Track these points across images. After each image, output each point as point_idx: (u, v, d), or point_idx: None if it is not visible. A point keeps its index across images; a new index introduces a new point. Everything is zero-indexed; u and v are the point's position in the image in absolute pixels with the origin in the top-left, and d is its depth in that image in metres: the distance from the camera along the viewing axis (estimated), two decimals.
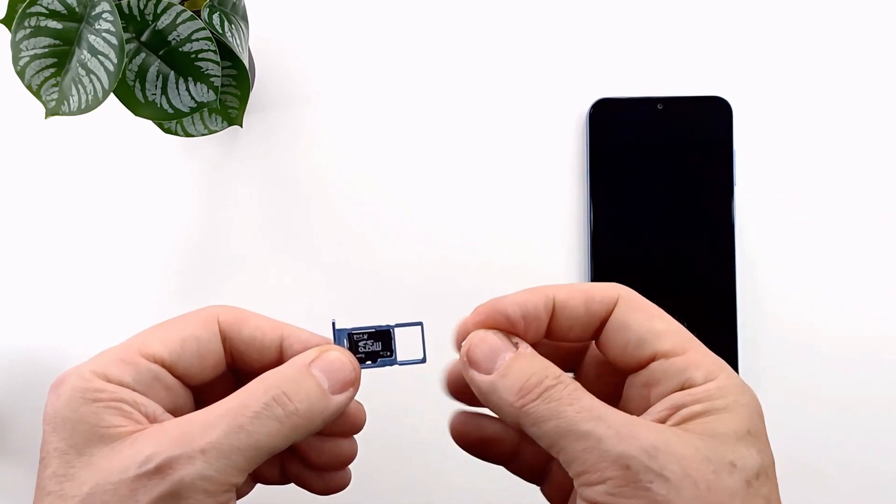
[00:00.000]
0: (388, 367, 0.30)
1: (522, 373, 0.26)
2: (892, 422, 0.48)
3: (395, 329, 0.30)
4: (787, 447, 0.49)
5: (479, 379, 0.27)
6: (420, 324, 0.31)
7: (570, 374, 0.27)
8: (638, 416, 0.26)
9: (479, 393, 0.28)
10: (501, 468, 0.32)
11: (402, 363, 0.30)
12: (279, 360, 0.30)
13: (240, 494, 0.29)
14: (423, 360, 0.30)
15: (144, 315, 0.51)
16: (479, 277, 0.50)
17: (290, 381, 0.27)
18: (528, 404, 0.26)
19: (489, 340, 0.28)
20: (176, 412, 0.28)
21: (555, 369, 0.27)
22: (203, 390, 0.30)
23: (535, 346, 0.28)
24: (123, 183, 0.52)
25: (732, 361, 0.48)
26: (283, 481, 0.32)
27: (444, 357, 0.31)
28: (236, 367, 0.31)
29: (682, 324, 0.28)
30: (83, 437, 0.25)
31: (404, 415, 0.48)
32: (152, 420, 0.27)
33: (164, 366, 0.28)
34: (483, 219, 0.51)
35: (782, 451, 0.48)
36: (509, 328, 0.28)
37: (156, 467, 0.24)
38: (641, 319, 0.27)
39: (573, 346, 0.31)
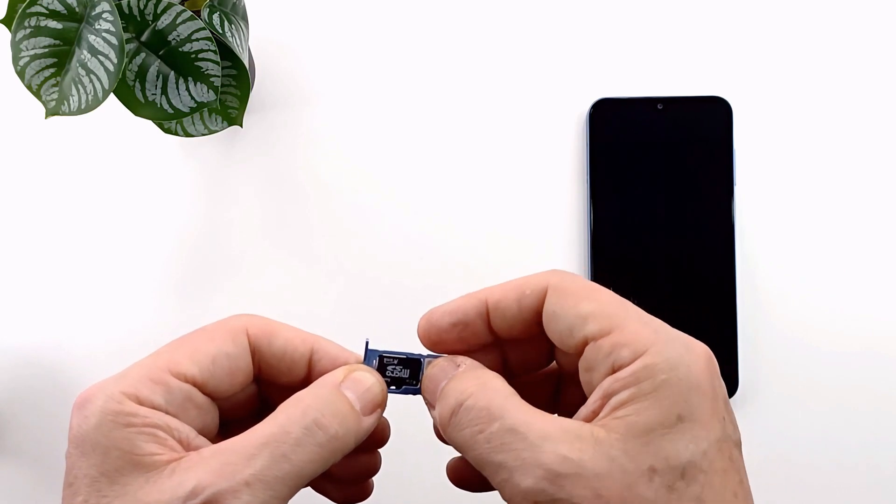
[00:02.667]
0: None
1: (446, 401, 0.26)
2: (893, 421, 0.48)
3: (426, 359, 0.29)
4: (786, 447, 0.49)
5: (431, 414, 0.27)
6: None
7: (498, 380, 0.26)
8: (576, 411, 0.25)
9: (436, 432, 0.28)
10: None
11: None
12: (308, 374, 0.29)
13: None
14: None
15: (144, 314, 0.51)
16: (480, 277, 0.50)
17: (327, 404, 0.26)
18: (447, 433, 0.26)
19: (434, 369, 0.28)
20: (205, 430, 0.27)
21: (473, 384, 0.26)
22: (227, 403, 0.29)
23: (510, 347, 0.28)
24: (123, 183, 0.52)
25: (732, 361, 0.48)
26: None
27: None
28: (262, 379, 0.30)
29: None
30: (116, 464, 0.24)
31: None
32: (186, 446, 0.26)
33: (195, 384, 0.27)
34: (483, 219, 0.51)
35: (781, 451, 0.49)
36: (444, 338, 0.28)
37: (202, 502, 0.23)
38: (568, 305, 0.26)
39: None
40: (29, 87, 0.38)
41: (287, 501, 0.25)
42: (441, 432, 0.26)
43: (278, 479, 0.24)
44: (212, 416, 0.28)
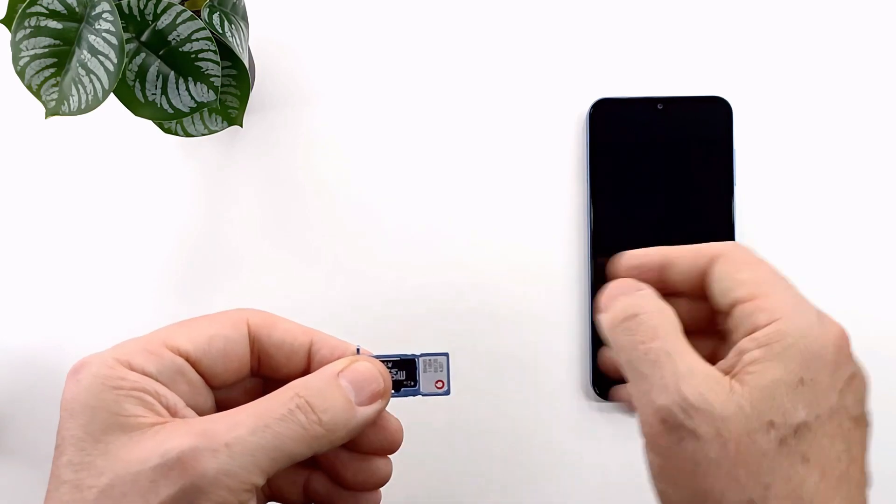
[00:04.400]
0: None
1: (621, 305, 0.29)
2: (892, 421, 0.48)
3: (421, 359, 0.29)
4: None
5: (597, 318, 0.30)
6: (446, 354, 0.30)
7: (672, 312, 0.29)
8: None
9: (600, 330, 0.30)
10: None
11: (426, 394, 0.30)
12: (307, 365, 0.29)
13: None
14: (447, 393, 0.30)
15: (144, 314, 0.51)
16: (480, 277, 0.50)
17: (317, 391, 0.26)
18: (613, 331, 0.28)
19: (614, 287, 0.30)
20: (196, 410, 0.28)
21: (653, 305, 0.28)
22: (227, 395, 0.30)
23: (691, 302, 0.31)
24: (123, 183, 0.52)
25: None
26: (305, 502, 0.31)
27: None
28: (262, 373, 0.30)
29: None
30: (101, 424, 0.25)
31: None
32: (174, 413, 0.26)
33: (188, 360, 0.28)
34: (483, 218, 0.51)
35: None
36: (623, 276, 0.31)
37: (177, 458, 0.23)
38: (731, 270, 0.29)
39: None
40: (29, 87, 0.38)
41: (265, 474, 0.25)
42: (606, 330, 0.29)
43: (259, 446, 0.24)
44: (204, 398, 0.28)
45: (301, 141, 0.52)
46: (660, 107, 0.49)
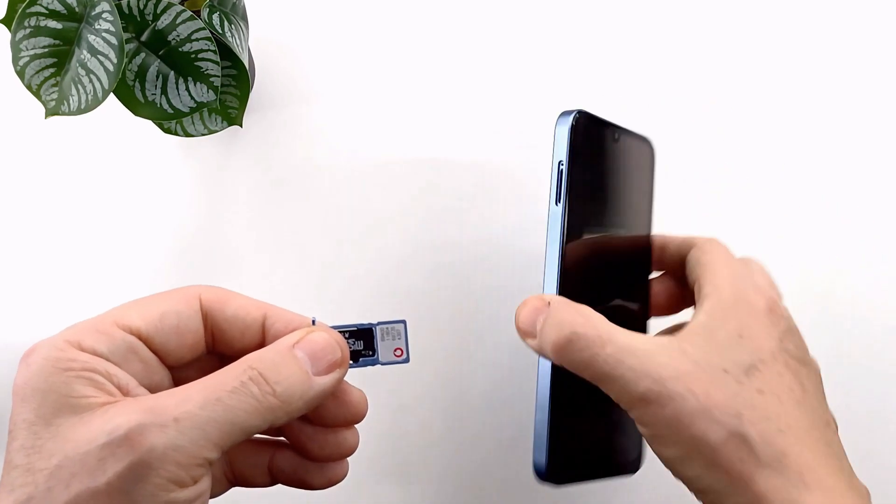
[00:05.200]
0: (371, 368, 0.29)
1: (553, 329, 0.30)
2: (891, 421, 0.48)
3: (378, 327, 0.29)
4: None
5: (530, 344, 0.32)
6: (403, 322, 0.30)
7: (591, 311, 0.31)
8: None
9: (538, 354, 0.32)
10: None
11: (385, 363, 0.29)
12: (262, 340, 0.29)
13: (213, 494, 0.28)
14: (407, 360, 0.30)
15: None
16: (480, 276, 0.50)
17: (270, 363, 0.26)
18: (563, 358, 0.30)
19: (526, 307, 0.32)
20: (151, 389, 0.27)
21: (576, 314, 0.30)
22: (184, 375, 0.29)
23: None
24: (123, 183, 0.52)
25: None
26: (270, 482, 0.31)
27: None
28: (217, 349, 0.30)
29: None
30: (52, 407, 0.24)
31: (397, 409, 0.48)
32: (125, 392, 0.26)
33: (140, 338, 0.27)
34: (483, 218, 0.51)
35: None
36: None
37: (125, 435, 0.23)
38: (697, 254, 0.35)
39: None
40: (29, 87, 0.38)
41: (218, 449, 0.25)
42: (554, 358, 0.31)
43: (210, 420, 0.24)
44: (160, 377, 0.28)
45: (301, 141, 0.52)
46: (617, 137, 0.40)
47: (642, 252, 0.39)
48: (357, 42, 0.53)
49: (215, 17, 0.41)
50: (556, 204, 0.35)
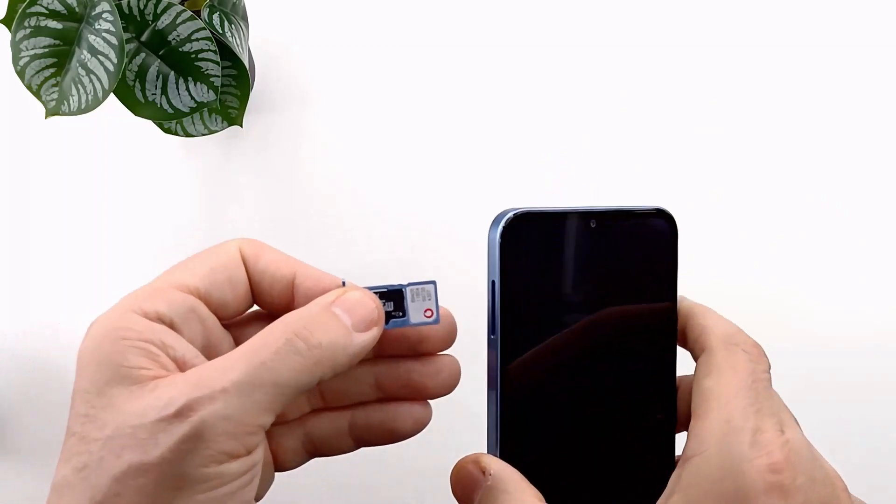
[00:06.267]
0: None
1: None
2: (891, 421, 0.48)
3: (408, 288, 0.29)
4: None
5: None
6: (433, 283, 0.29)
7: (532, 496, 0.26)
8: None
9: None
10: None
11: (415, 324, 0.29)
12: (290, 295, 0.29)
13: (292, 465, 0.29)
14: (437, 321, 0.29)
15: None
16: (479, 276, 0.50)
17: (312, 318, 0.26)
18: None
19: (462, 473, 0.27)
20: (212, 352, 0.27)
21: (519, 492, 0.26)
22: (241, 334, 0.29)
23: None
24: (123, 183, 0.52)
25: None
26: (353, 446, 0.30)
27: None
28: (259, 304, 0.30)
29: None
30: (105, 376, 0.25)
31: None
32: (182, 364, 0.26)
33: (198, 296, 0.27)
34: (482, 217, 0.51)
35: None
36: None
37: (176, 411, 0.23)
38: (702, 365, 0.27)
39: None
40: (29, 87, 0.38)
41: (269, 412, 0.24)
42: None
43: (256, 386, 0.24)
44: (218, 337, 0.28)
45: (301, 141, 0.52)
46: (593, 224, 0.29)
47: (652, 363, 0.28)
48: (357, 42, 0.52)
49: (215, 17, 0.41)
50: (492, 334, 0.28)
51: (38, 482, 0.50)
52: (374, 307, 0.28)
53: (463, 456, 0.27)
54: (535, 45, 0.52)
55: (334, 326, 0.26)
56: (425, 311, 0.29)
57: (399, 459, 0.48)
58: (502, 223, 0.28)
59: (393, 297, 0.29)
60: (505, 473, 0.26)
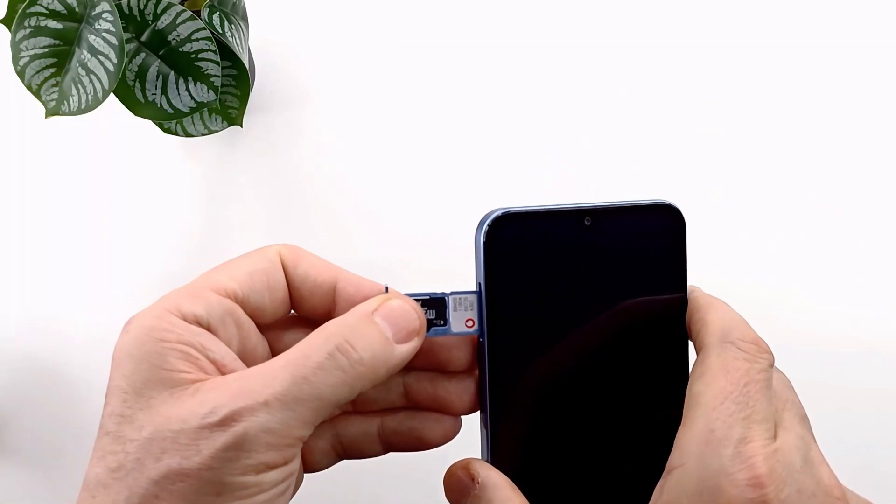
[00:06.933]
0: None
1: None
2: (890, 422, 0.48)
3: (451, 297, 0.28)
4: None
5: None
6: (477, 292, 0.28)
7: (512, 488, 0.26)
8: None
9: None
10: None
11: (457, 333, 0.28)
12: (332, 302, 0.29)
13: (321, 467, 0.29)
14: (477, 331, 0.28)
15: None
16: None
17: (353, 330, 0.26)
18: None
19: (451, 477, 0.27)
20: (248, 356, 0.27)
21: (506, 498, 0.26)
22: (277, 339, 0.29)
23: None
24: (123, 183, 0.52)
25: None
26: (382, 450, 0.30)
27: None
28: (297, 310, 0.30)
29: None
30: (144, 376, 0.25)
31: None
32: (220, 367, 0.26)
33: (236, 300, 0.27)
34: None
35: None
36: None
37: (219, 420, 0.23)
38: (696, 370, 0.26)
39: None
40: (29, 87, 0.38)
41: (310, 425, 0.25)
42: None
43: (298, 400, 0.24)
44: (254, 343, 0.28)
45: (301, 141, 0.52)
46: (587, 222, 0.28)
47: (653, 362, 0.27)
48: (357, 42, 0.53)
49: (215, 17, 0.41)
50: (480, 338, 0.27)
51: (38, 482, 0.50)
52: (416, 317, 0.27)
53: (456, 460, 0.27)
54: (535, 45, 0.52)
55: (376, 339, 0.26)
56: (466, 321, 0.29)
57: (395, 459, 0.48)
58: (486, 224, 0.28)
59: (435, 306, 0.28)
60: (493, 481, 0.26)
